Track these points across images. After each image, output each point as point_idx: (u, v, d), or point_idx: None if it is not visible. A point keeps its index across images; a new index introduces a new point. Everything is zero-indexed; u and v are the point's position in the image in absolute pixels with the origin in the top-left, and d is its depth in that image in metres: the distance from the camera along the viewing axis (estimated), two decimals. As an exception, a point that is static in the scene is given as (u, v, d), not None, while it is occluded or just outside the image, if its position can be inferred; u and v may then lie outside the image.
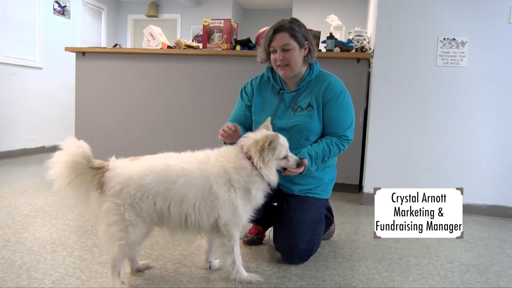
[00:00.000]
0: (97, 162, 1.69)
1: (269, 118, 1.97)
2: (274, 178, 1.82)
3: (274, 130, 2.13)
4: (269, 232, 2.35)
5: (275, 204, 2.26)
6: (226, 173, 1.75)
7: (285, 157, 1.88)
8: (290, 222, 2.07)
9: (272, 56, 2.11)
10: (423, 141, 3.32)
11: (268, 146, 1.77)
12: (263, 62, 2.22)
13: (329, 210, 2.41)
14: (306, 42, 2.09)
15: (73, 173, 1.63)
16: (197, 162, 1.76)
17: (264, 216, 2.21)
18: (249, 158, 1.78)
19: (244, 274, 1.86)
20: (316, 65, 2.19)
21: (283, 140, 1.86)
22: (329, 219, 2.41)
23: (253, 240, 2.35)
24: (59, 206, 2.94)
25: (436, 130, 3.30)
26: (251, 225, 2.40)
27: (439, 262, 2.23)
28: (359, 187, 3.86)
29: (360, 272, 2.07)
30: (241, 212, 1.77)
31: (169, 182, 1.69)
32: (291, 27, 2.04)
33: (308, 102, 2.10)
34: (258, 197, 1.82)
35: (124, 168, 1.72)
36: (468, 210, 3.23)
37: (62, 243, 2.25)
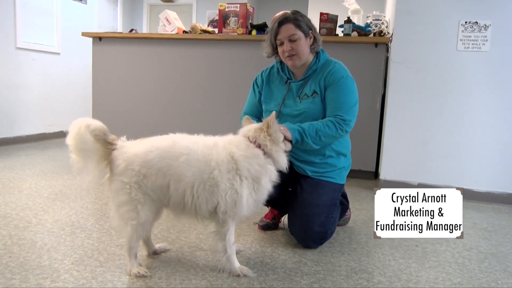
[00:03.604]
0: (111, 137, 1.72)
1: (274, 112, 1.85)
2: (285, 161, 1.81)
3: (281, 117, 2.18)
4: (284, 218, 2.35)
5: (291, 189, 2.25)
6: (234, 161, 1.69)
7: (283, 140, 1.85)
8: (304, 204, 2.09)
9: (280, 49, 2.15)
10: (442, 128, 3.26)
11: (272, 127, 1.76)
12: (270, 56, 2.27)
13: (344, 196, 2.40)
14: (311, 31, 2.13)
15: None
16: (203, 145, 1.74)
17: (280, 199, 2.21)
18: (258, 147, 1.75)
19: (235, 264, 1.79)
20: (324, 54, 2.21)
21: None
22: (344, 205, 2.40)
23: (268, 225, 2.35)
24: (77, 190, 3.00)
25: (455, 116, 3.22)
26: (267, 209, 2.40)
27: (457, 250, 2.21)
28: (376, 174, 3.83)
29: (376, 258, 2.06)
30: (245, 203, 1.71)
31: (172, 158, 1.68)
32: (295, 18, 2.11)
33: (313, 89, 2.14)
34: (267, 187, 1.78)
35: (130, 146, 1.73)
36: (488, 198, 3.18)
37: (81, 226, 2.30)
